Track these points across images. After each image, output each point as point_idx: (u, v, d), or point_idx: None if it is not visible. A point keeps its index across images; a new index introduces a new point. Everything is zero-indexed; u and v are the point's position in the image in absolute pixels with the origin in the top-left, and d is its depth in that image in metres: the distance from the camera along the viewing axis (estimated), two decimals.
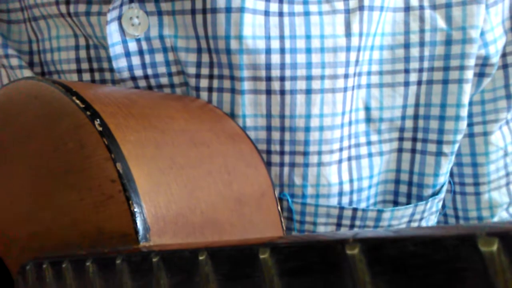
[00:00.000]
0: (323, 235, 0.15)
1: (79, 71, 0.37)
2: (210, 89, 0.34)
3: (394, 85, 0.35)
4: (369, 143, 0.36)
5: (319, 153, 0.34)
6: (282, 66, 0.33)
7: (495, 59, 0.35)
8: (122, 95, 0.29)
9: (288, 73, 0.33)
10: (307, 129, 0.34)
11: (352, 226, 0.36)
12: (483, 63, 0.35)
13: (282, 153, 0.34)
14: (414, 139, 0.36)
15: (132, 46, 0.34)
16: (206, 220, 0.25)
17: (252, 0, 0.32)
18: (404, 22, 0.34)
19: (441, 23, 0.34)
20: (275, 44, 0.32)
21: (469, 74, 0.34)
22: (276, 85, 0.33)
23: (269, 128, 0.34)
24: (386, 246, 0.13)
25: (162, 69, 0.34)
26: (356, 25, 0.33)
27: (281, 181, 0.35)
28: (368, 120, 0.35)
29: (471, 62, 0.34)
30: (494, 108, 0.38)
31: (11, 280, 0.30)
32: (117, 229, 0.22)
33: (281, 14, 0.32)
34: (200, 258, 0.17)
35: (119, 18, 0.33)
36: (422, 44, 0.34)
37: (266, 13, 0.32)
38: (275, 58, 0.33)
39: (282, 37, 0.33)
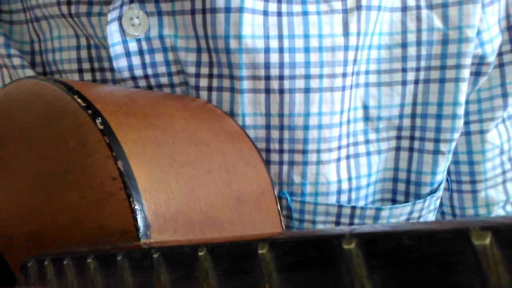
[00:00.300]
0: (320, 231, 0.15)
1: (81, 71, 0.37)
2: (209, 88, 0.34)
3: (392, 84, 0.35)
4: (367, 141, 0.36)
5: (318, 151, 0.34)
6: (281, 65, 0.33)
7: (492, 58, 0.35)
8: (123, 94, 0.29)
9: (287, 72, 0.33)
10: (306, 127, 0.34)
11: (350, 224, 0.36)
12: (480, 62, 0.35)
13: (281, 151, 0.34)
14: (412, 138, 0.36)
15: (132, 46, 0.34)
16: (206, 218, 0.25)
17: (251, 0, 0.32)
18: (401, 22, 0.34)
19: (438, 23, 0.34)
20: (274, 43, 0.33)
21: (466, 73, 0.34)
22: (275, 84, 0.33)
23: (268, 127, 0.34)
24: (382, 240, 0.13)
25: (162, 69, 0.35)
26: (354, 25, 0.33)
27: (280, 180, 0.35)
28: (366, 118, 0.36)
29: (468, 61, 0.34)
30: (490, 106, 0.38)
31: (12, 278, 0.31)
32: (118, 226, 0.23)
33: (279, 14, 0.33)
34: (200, 254, 0.18)
35: (120, 18, 0.33)
36: (419, 43, 0.34)
37: (265, 13, 0.32)
38: (274, 57, 0.33)
39: (280, 37, 0.33)
